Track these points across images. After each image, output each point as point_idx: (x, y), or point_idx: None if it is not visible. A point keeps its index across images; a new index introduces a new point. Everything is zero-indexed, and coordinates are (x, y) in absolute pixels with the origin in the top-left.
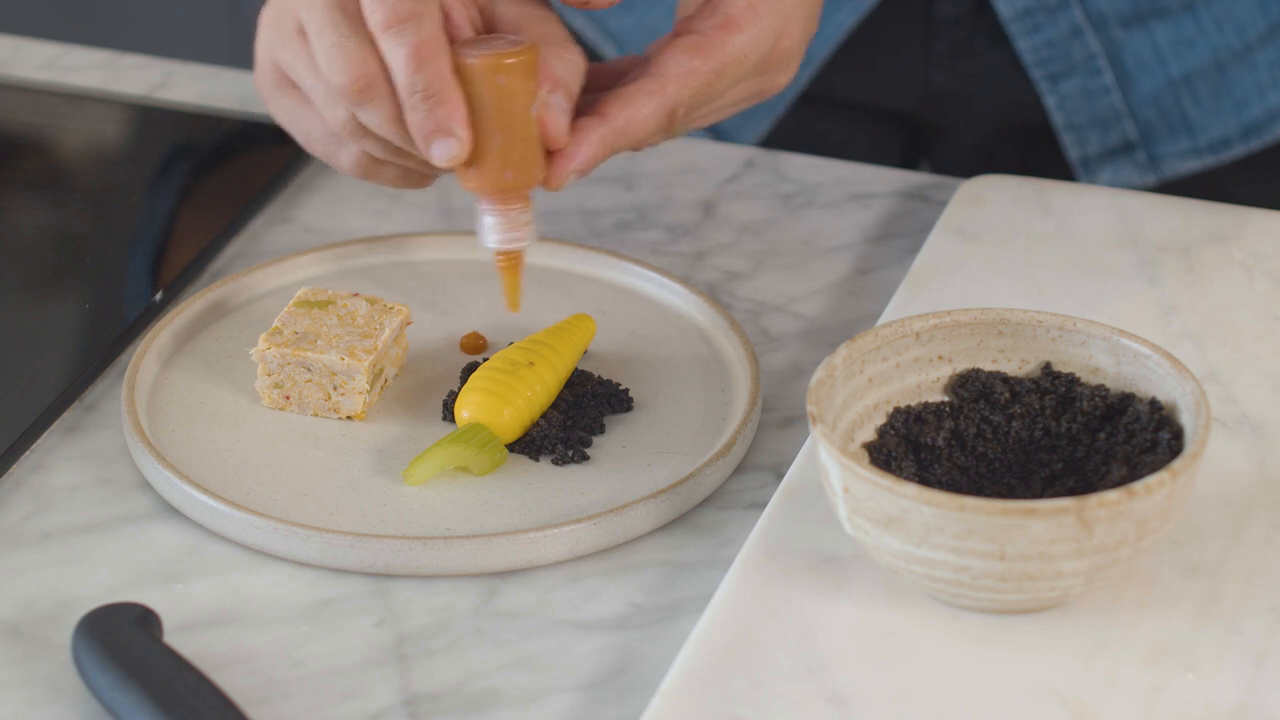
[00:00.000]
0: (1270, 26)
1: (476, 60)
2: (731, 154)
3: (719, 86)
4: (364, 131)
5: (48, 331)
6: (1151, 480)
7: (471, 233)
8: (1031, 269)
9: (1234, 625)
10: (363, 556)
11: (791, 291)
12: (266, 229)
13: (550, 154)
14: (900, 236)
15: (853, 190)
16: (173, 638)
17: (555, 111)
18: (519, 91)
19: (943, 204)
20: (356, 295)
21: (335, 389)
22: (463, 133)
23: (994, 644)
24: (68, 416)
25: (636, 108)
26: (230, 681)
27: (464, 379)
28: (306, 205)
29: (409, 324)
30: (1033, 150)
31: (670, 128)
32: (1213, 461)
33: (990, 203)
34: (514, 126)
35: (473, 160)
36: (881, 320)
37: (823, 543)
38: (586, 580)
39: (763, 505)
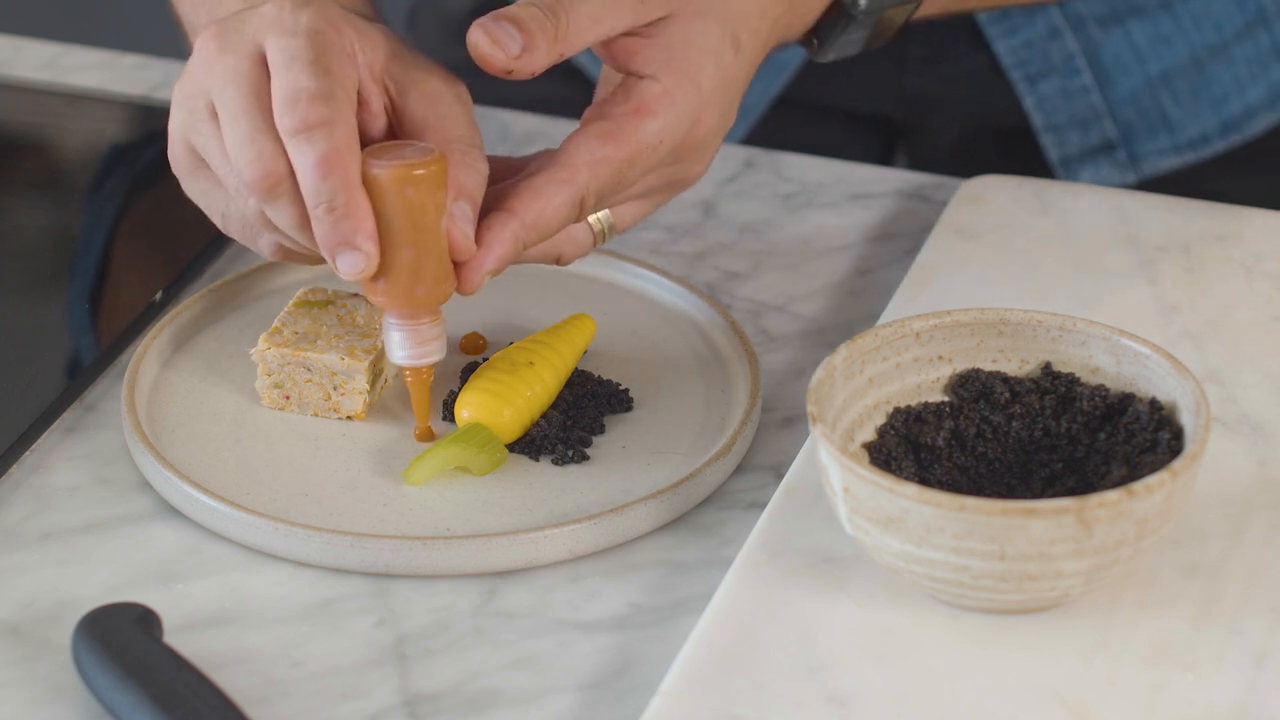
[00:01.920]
0: (1247, 23)
1: (384, 171)
2: (731, 154)
3: (631, 175)
4: (275, 225)
5: (48, 331)
6: (1151, 480)
7: None
8: (1031, 269)
9: (1234, 625)
10: (363, 556)
11: (791, 291)
12: None
13: (456, 263)
14: (900, 236)
15: (853, 190)
16: (173, 638)
17: (462, 222)
18: (428, 203)
19: (943, 204)
20: (356, 295)
21: (335, 389)
22: (369, 246)
23: (994, 644)
24: (68, 416)
25: (547, 199)
26: (230, 681)
27: (464, 379)
28: None
29: None
30: (1012, 151)
31: (580, 217)
32: (1213, 461)
33: (990, 203)
34: (423, 239)
35: (380, 274)
36: (881, 320)
37: (823, 543)
38: (586, 580)
39: (763, 505)
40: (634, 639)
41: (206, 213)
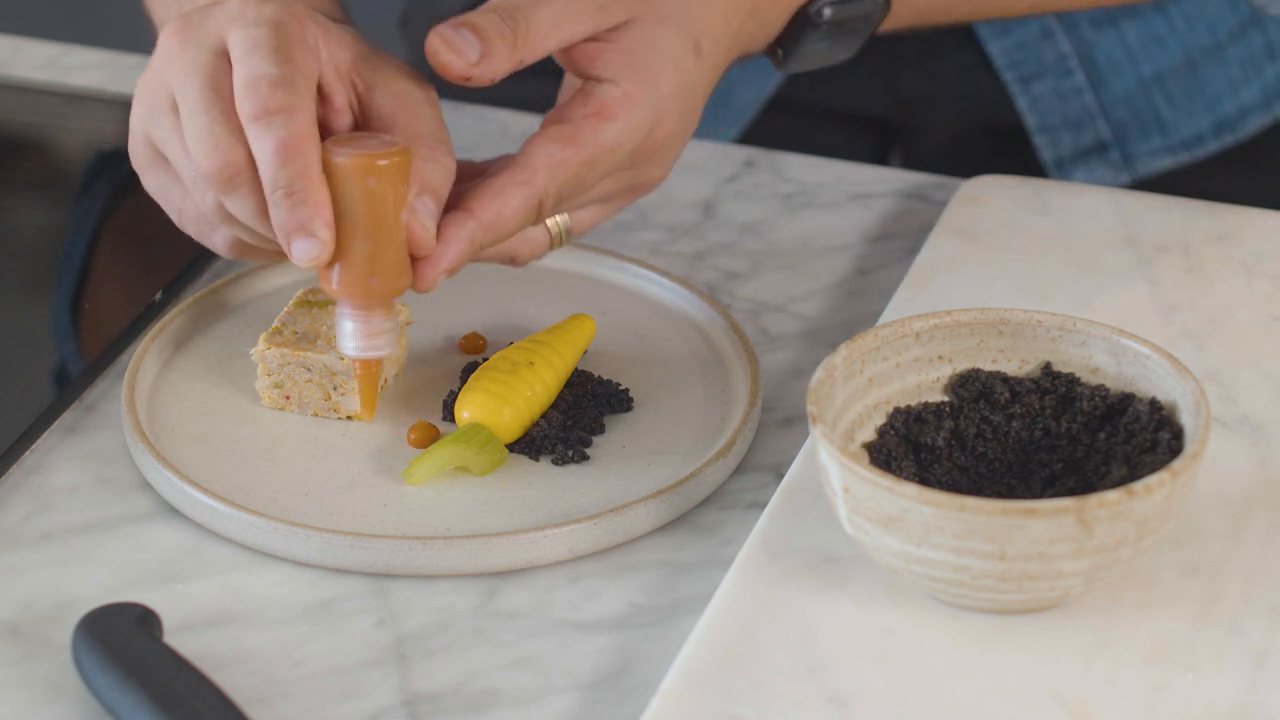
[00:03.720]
0: (1240, 24)
1: (346, 160)
2: (731, 154)
3: (589, 178)
4: (232, 218)
5: (48, 331)
6: (1151, 480)
7: None
8: (1031, 269)
9: (1234, 625)
10: (363, 556)
11: (791, 291)
12: None
13: (414, 258)
14: (900, 236)
15: (853, 190)
16: (173, 638)
17: (424, 217)
18: (389, 195)
19: (943, 204)
20: None
21: (335, 389)
22: (325, 234)
23: (994, 644)
24: (68, 416)
25: (505, 200)
26: (230, 681)
27: (464, 379)
28: None
29: (409, 324)
30: (1005, 151)
31: (538, 219)
32: (1213, 461)
33: (990, 203)
34: (382, 231)
35: (336, 263)
36: (881, 320)
37: (823, 543)
38: (586, 580)
39: (763, 505)
40: (634, 639)
41: (164, 208)
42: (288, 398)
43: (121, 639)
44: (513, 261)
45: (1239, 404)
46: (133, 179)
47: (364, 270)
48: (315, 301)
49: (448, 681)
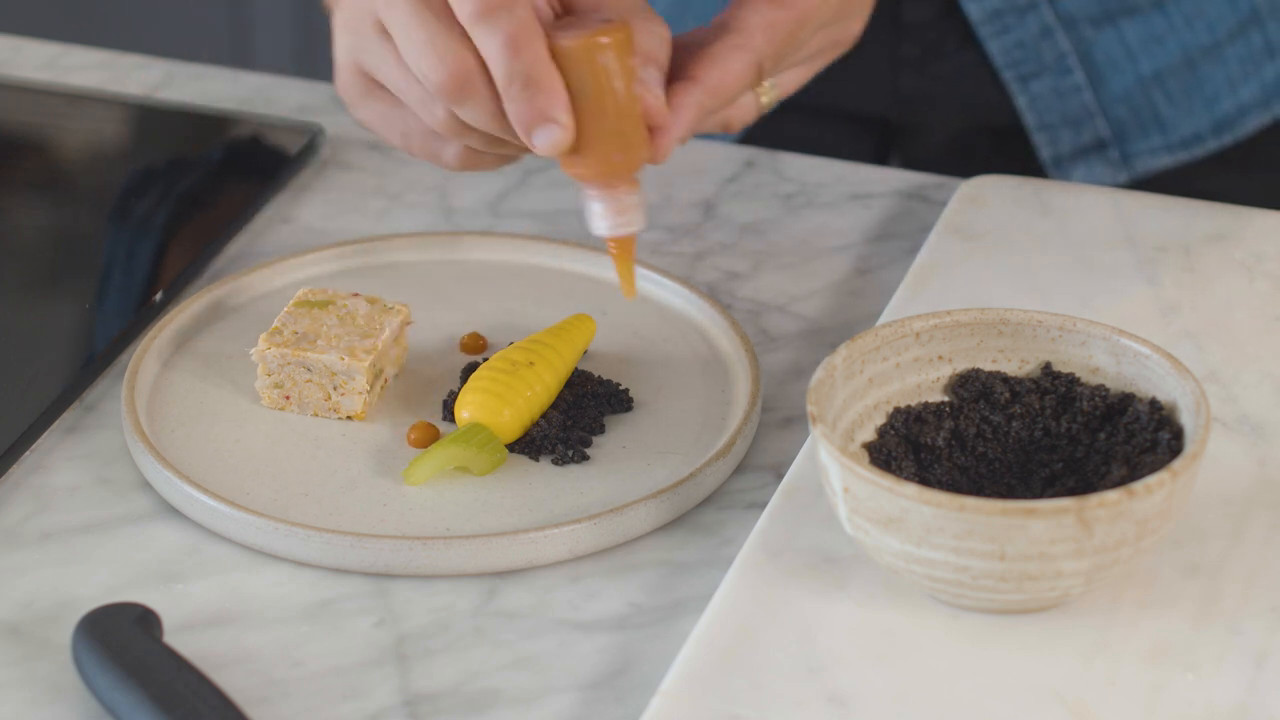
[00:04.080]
0: (1240, 22)
1: (573, 43)
2: (731, 154)
3: (802, 35)
4: (465, 128)
5: (48, 331)
6: (1151, 480)
7: (473, 233)
8: (1031, 269)
9: (1234, 625)
10: (363, 556)
11: (791, 291)
12: (266, 229)
13: (650, 128)
14: (900, 236)
15: (853, 190)
16: (173, 638)
17: (654, 86)
18: (618, 71)
19: (943, 204)
20: (356, 295)
21: (335, 389)
22: (566, 119)
23: (994, 644)
24: (68, 416)
25: (726, 65)
26: (230, 681)
27: (464, 379)
28: (306, 205)
29: (409, 324)
30: (1004, 150)
31: (758, 82)
32: (1213, 461)
33: (990, 203)
34: (616, 107)
35: (577, 146)
36: (881, 320)
37: (823, 543)
38: (586, 580)
39: (763, 505)
40: (634, 639)
41: (382, 135)
42: (288, 398)
43: (121, 639)
44: (727, 128)
45: (1239, 404)
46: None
47: (605, 148)
48: (315, 301)
49: (448, 681)
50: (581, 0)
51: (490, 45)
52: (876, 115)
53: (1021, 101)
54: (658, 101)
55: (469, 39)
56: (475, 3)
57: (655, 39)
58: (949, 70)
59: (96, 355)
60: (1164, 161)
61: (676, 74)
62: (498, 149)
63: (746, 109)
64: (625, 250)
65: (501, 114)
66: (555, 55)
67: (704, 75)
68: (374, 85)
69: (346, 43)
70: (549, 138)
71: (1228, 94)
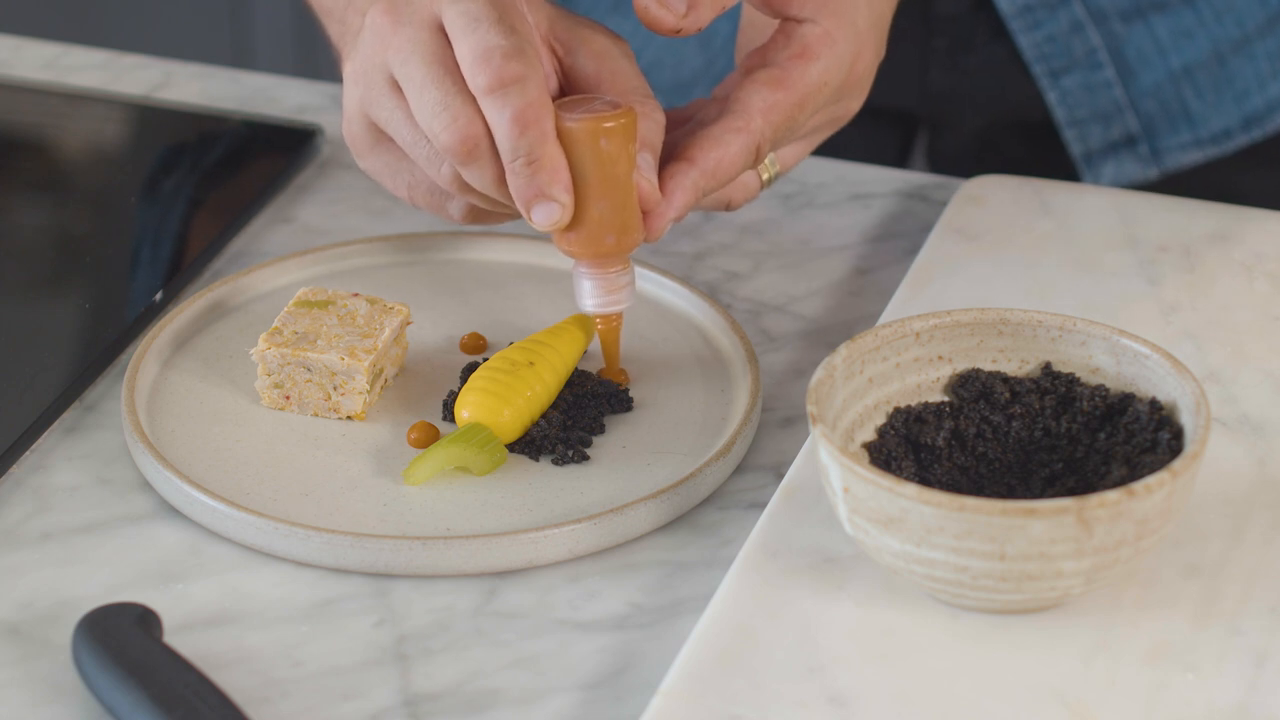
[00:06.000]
0: (1269, 17)
1: (578, 124)
2: None
3: (801, 118)
4: (470, 187)
5: (48, 331)
6: (1151, 480)
7: (473, 233)
8: (1031, 269)
9: (1234, 625)
10: (363, 556)
11: (791, 291)
12: (266, 229)
13: (643, 211)
14: (900, 236)
15: (853, 190)
16: (173, 638)
17: (647, 172)
18: (620, 155)
19: (943, 204)
20: (356, 295)
21: (335, 389)
22: (565, 198)
23: (994, 644)
24: (68, 416)
25: (724, 148)
26: (230, 681)
27: (464, 379)
28: (306, 205)
29: (409, 324)
30: (1034, 146)
31: (756, 163)
32: (1213, 461)
33: (990, 203)
34: (615, 190)
35: (573, 224)
36: (881, 320)
37: (823, 543)
38: (586, 580)
39: (763, 505)
40: (634, 639)
41: (388, 186)
42: (288, 398)
43: (121, 639)
44: (728, 207)
45: (1239, 404)
46: (137, 179)
47: (600, 229)
48: (315, 301)
49: (448, 681)
50: (583, 78)
51: (499, 119)
52: (903, 110)
53: (1052, 97)
54: (652, 188)
55: (479, 106)
56: (489, 75)
57: (651, 124)
58: (978, 64)
59: (96, 355)
60: (1194, 157)
61: (674, 154)
62: (501, 208)
63: (748, 187)
64: (613, 328)
65: (504, 181)
66: (560, 135)
67: (701, 157)
68: (382, 137)
69: (357, 94)
70: (548, 215)
71: (1257, 89)
